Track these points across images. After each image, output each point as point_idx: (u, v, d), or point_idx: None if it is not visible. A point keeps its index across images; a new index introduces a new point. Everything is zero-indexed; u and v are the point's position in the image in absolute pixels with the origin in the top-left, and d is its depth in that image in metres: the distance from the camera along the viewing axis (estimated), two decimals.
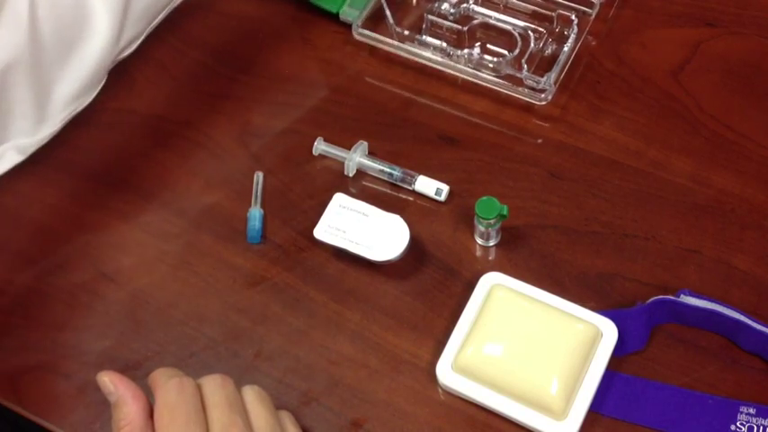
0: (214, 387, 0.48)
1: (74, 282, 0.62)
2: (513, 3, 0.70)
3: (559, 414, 0.52)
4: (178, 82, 0.71)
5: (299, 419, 0.52)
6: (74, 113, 0.61)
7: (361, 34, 0.69)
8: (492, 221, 0.57)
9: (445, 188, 0.62)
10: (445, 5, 0.70)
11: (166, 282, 0.61)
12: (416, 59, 0.68)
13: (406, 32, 0.68)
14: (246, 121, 0.68)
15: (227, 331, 0.59)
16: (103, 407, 0.56)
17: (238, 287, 0.61)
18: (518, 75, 0.65)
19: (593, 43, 0.68)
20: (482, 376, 0.53)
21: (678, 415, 0.53)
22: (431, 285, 0.59)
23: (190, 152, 0.67)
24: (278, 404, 0.51)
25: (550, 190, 0.62)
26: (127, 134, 0.68)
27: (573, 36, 0.66)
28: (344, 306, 0.59)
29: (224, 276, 0.61)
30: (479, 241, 0.61)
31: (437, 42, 0.68)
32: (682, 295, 0.55)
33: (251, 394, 0.49)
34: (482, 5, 0.70)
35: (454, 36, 0.69)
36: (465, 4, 0.70)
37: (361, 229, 0.59)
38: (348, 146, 0.64)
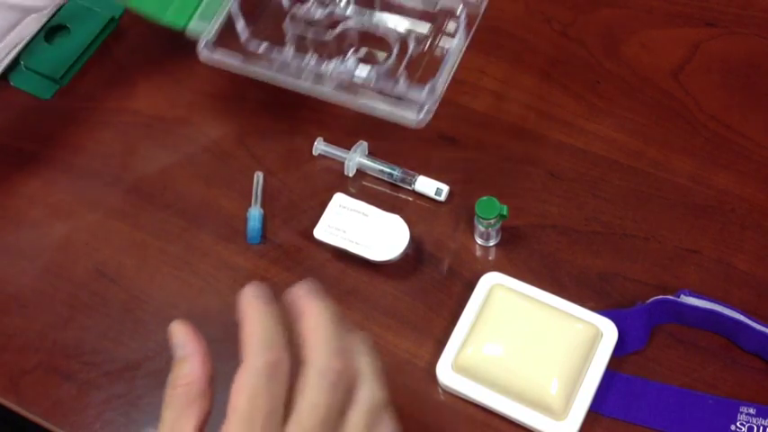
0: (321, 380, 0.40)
1: (74, 282, 0.62)
2: (387, 2, 0.61)
3: (559, 414, 0.52)
4: (178, 82, 0.71)
5: None
6: None
7: (206, 57, 0.58)
8: (492, 221, 0.57)
9: (445, 188, 0.62)
10: (309, 8, 0.61)
11: (166, 282, 0.61)
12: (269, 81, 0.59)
13: (263, 46, 0.58)
14: (246, 121, 0.68)
15: (227, 331, 0.59)
16: (104, 407, 0.56)
17: (238, 287, 0.60)
18: (394, 89, 0.57)
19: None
20: (482, 376, 0.53)
21: (678, 415, 0.53)
22: (431, 285, 0.59)
23: (190, 152, 0.67)
24: None
25: (550, 190, 0.62)
26: (127, 134, 0.68)
27: (459, 37, 0.57)
28: (344, 306, 0.59)
29: (224, 276, 0.61)
30: (479, 241, 0.61)
31: (301, 55, 0.59)
32: (682, 295, 0.55)
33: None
34: (356, 4, 0.61)
35: (322, 45, 0.60)
36: (332, 6, 0.60)
37: (361, 229, 0.59)
38: (348, 146, 0.64)
